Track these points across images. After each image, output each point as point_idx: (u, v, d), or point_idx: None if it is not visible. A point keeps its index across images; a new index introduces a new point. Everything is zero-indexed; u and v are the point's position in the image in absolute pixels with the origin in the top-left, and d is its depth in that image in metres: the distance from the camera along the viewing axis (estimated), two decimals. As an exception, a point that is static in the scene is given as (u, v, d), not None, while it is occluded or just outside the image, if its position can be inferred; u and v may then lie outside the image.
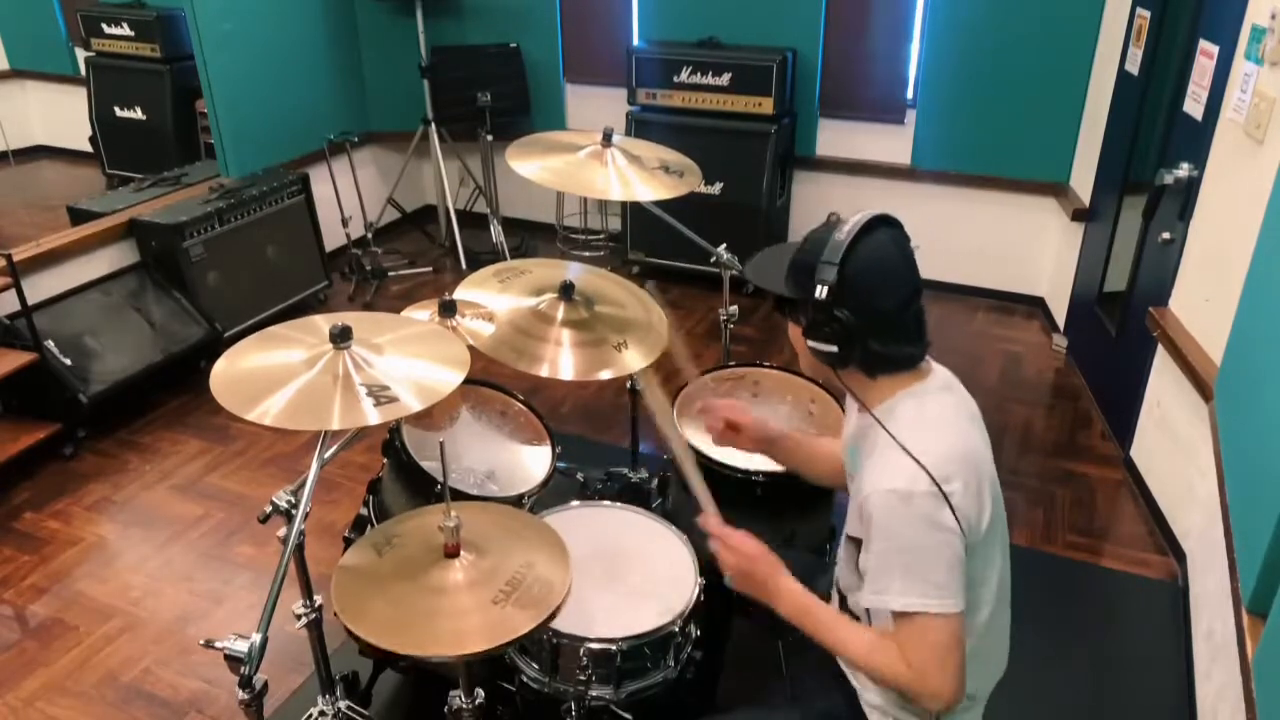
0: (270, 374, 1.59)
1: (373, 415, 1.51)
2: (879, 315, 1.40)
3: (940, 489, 1.33)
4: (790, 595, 1.53)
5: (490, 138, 4.88)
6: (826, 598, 1.74)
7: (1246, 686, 1.71)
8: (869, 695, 1.57)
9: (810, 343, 1.44)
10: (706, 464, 2.16)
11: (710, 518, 1.66)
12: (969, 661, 1.41)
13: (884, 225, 1.45)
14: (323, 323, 1.68)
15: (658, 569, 1.91)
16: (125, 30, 5.30)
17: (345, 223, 4.59)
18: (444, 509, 1.57)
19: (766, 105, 4.34)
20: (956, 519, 1.34)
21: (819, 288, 1.38)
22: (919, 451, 1.36)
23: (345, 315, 1.71)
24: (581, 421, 3.60)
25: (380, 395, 1.55)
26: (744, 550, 1.57)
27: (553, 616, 1.49)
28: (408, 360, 1.66)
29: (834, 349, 1.41)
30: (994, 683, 1.59)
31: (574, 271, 2.32)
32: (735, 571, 1.57)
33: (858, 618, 1.54)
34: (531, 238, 5.39)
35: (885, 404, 1.46)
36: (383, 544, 1.61)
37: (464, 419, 2.32)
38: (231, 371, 1.61)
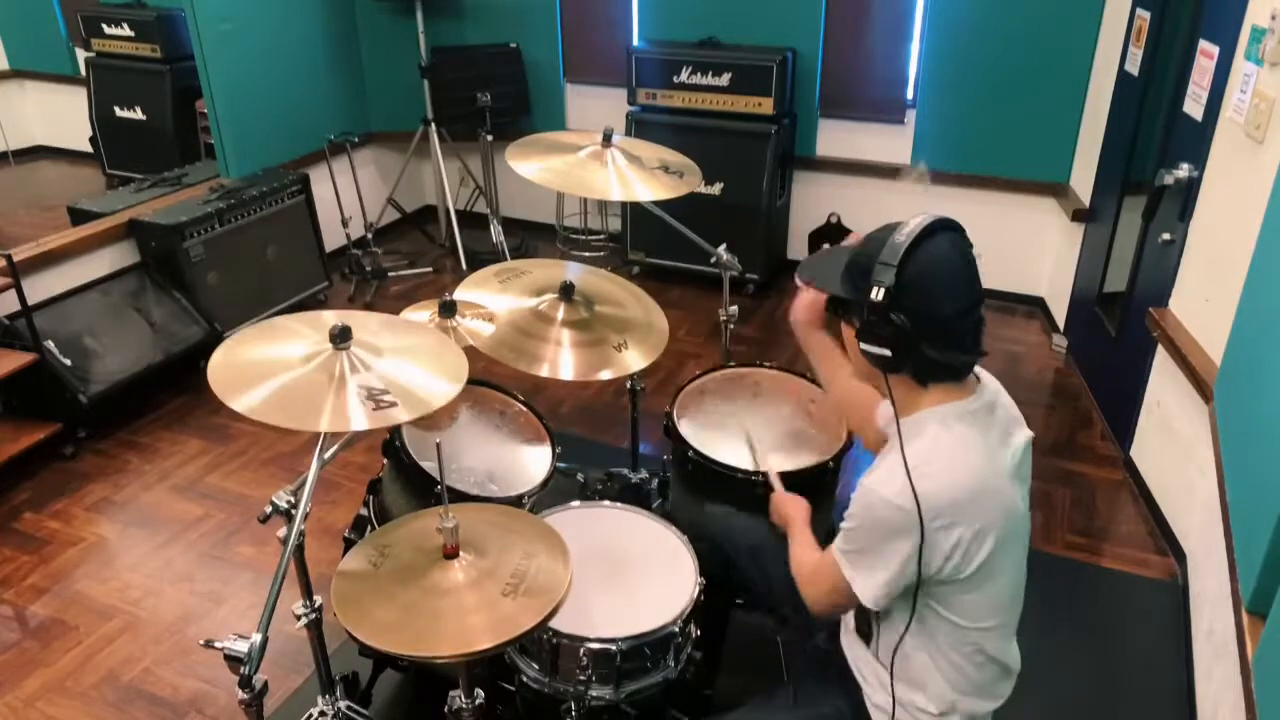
0: (268, 366, 1.58)
1: (360, 420, 1.50)
2: (936, 321, 1.35)
3: (920, 519, 1.32)
4: (792, 524, 1.76)
5: (490, 138, 4.88)
6: None
7: (1246, 686, 1.71)
8: (874, 695, 1.57)
9: (863, 345, 1.40)
10: (708, 465, 2.16)
11: (779, 490, 1.93)
12: (950, 671, 1.48)
13: (946, 229, 1.38)
14: (330, 317, 1.68)
15: (658, 569, 1.91)
16: (125, 30, 5.30)
17: (345, 223, 4.59)
18: (438, 511, 1.57)
19: (766, 105, 4.34)
20: (920, 554, 1.35)
21: (875, 289, 1.34)
22: (919, 479, 1.33)
23: (347, 316, 1.71)
24: (581, 421, 3.60)
25: (379, 399, 1.54)
26: (777, 498, 1.89)
27: (558, 608, 1.49)
28: (405, 365, 1.65)
29: (886, 353, 1.37)
30: (986, 706, 1.57)
31: (574, 271, 2.32)
32: (774, 509, 1.87)
33: (870, 630, 1.56)
34: (531, 238, 5.39)
35: (915, 416, 1.42)
36: (376, 556, 1.60)
37: (464, 419, 2.32)
38: (230, 362, 1.60)
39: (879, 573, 1.41)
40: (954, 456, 1.38)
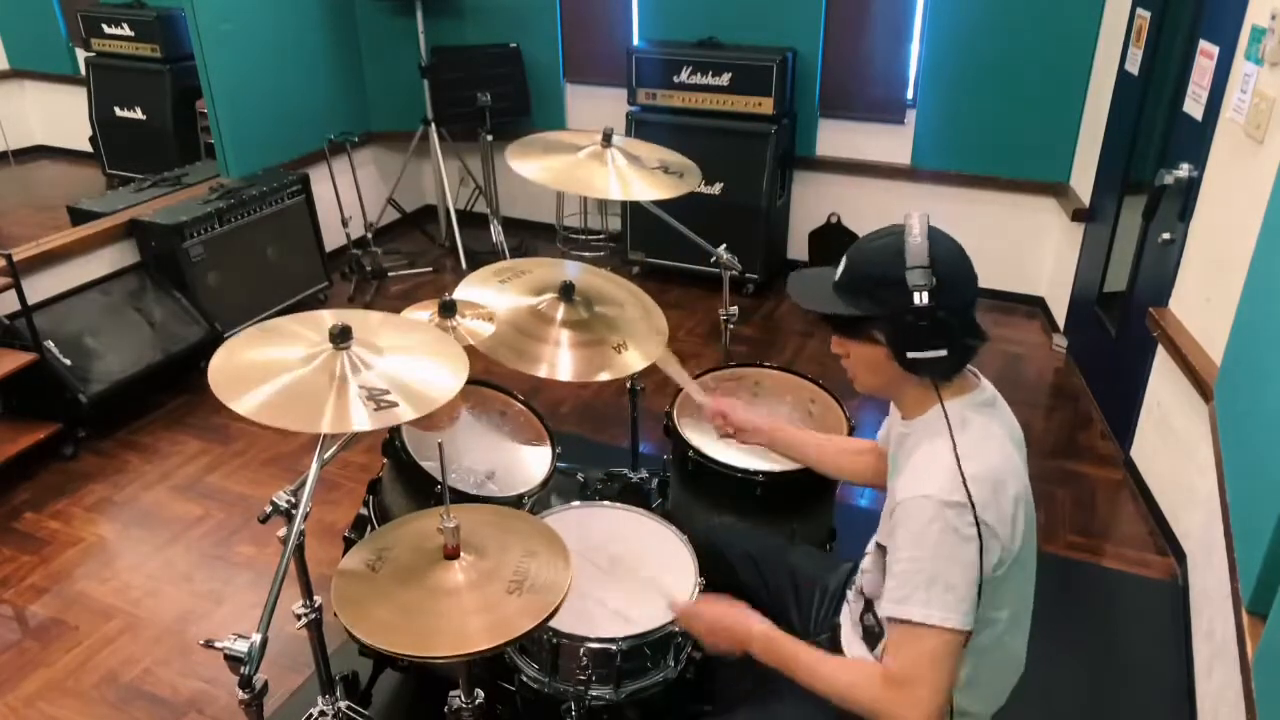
0: (267, 368, 1.58)
1: (364, 421, 1.50)
2: (968, 308, 1.38)
3: (972, 503, 1.31)
4: (761, 639, 1.53)
5: (490, 138, 4.88)
6: (840, 595, 1.74)
7: (1246, 686, 1.71)
8: None
9: (912, 354, 1.38)
10: (708, 465, 2.16)
11: (675, 603, 1.69)
12: (968, 672, 1.42)
13: (929, 223, 1.40)
14: (327, 317, 1.68)
15: (658, 569, 1.90)
16: (125, 30, 5.30)
17: (345, 223, 4.59)
18: (439, 512, 1.57)
19: (766, 105, 4.34)
20: (980, 535, 1.31)
21: (917, 294, 1.33)
22: (964, 462, 1.34)
23: (345, 315, 1.70)
24: (581, 422, 3.59)
25: (380, 400, 1.54)
26: (705, 615, 1.61)
27: (558, 609, 1.49)
28: (406, 362, 1.65)
29: (943, 353, 1.36)
30: (995, 706, 1.57)
31: (573, 270, 2.32)
32: (706, 639, 1.60)
33: (879, 625, 1.53)
34: (531, 238, 5.39)
35: (934, 410, 1.43)
36: (374, 559, 1.60)
37: (464, 419, 2.32)
38: (231, 363, 1.60)
39: (960, 587, 1.32)
40: (985, 438, 1.40)
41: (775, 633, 1.53)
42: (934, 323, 1.34)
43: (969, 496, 1.31)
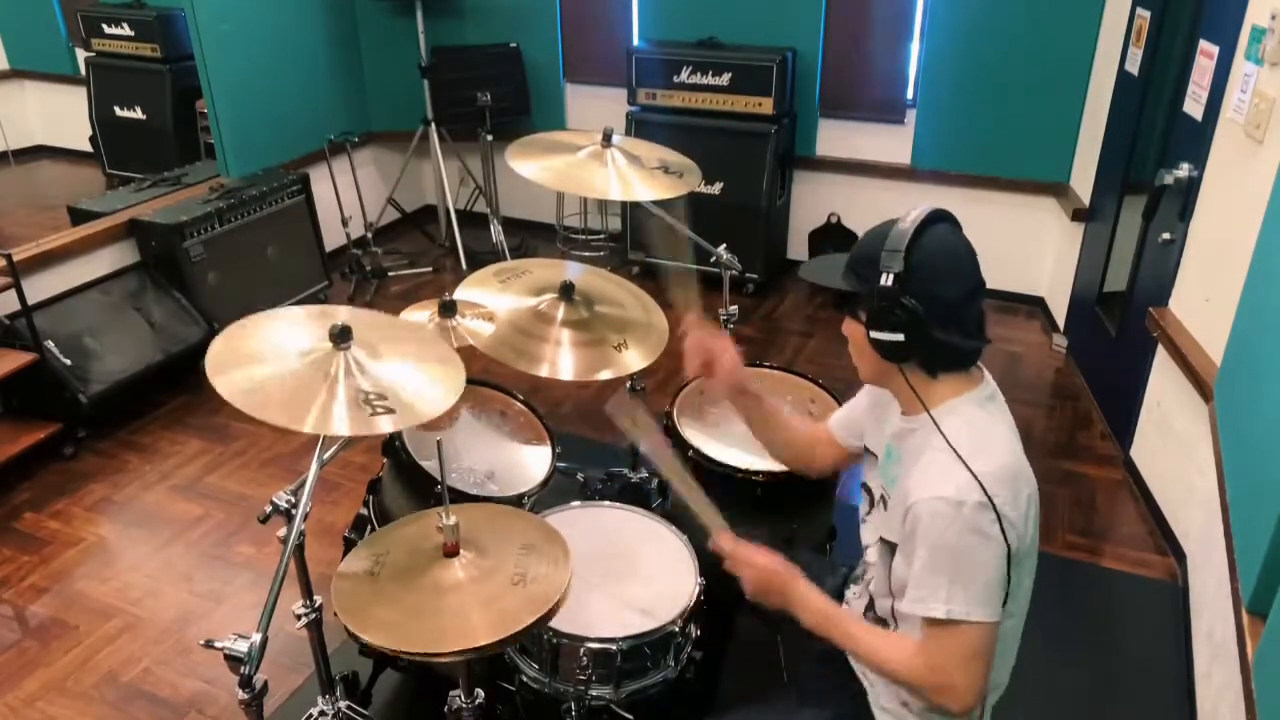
0: (265, 357, 1.58)
1: (347, 425, 1.50)
2: (944, 303, 1.39)
3: (991, 500, 1.32)
4: (810, 603, 1.54)
5: (490, 138, 4.88)
6: (837, 598, 1.74)
7: (1246, 686, 1.71)
8: (880, 698, 1.56)
9: (874, 334, 1.41)
10: (707, 465, 2.16)
11: (723, 537, 1.66)
12: None
13: (944, 220, 1.43)
14: (345, 314, 1.68)
15: (658, 569, 1.90)
16: (125, 30, 5.30)
17: (345, 223, 4.59)
18: (437, 512, 1.57)
19: (766, 105, 4.34)
20: (1004, 532, 1.32)
21: (884, 275, 1.37)
22: (974, 462, 1.34)
23: (354, 315, 1.70)
24: (581, 421, 3.59)
25: (375, 405, 1.53)
26: (759, 564, 1.58)
27: (559, 607, 1.49)
28: (402, 370, 1.65)
29: (899, 337, 1.39)
30: (995, 696, 1.58)
31: (574, 271, 2.32)
32: (753, 585, 1.59)
33: (884, 622, 1.54)
34: (531, 238, 5.39)
35: (937, 409, 1.43)
36: (373, 563, 1.59)
37: (464, 419, 2.32)
38: (231, 348, 1.60)
39: (993, 586, 1.34)
40: (992, 436, 1.41)
41: (817, 595, 1.55)
42: (895, 305, 1.37)
43: (988, 495, 1.32)
